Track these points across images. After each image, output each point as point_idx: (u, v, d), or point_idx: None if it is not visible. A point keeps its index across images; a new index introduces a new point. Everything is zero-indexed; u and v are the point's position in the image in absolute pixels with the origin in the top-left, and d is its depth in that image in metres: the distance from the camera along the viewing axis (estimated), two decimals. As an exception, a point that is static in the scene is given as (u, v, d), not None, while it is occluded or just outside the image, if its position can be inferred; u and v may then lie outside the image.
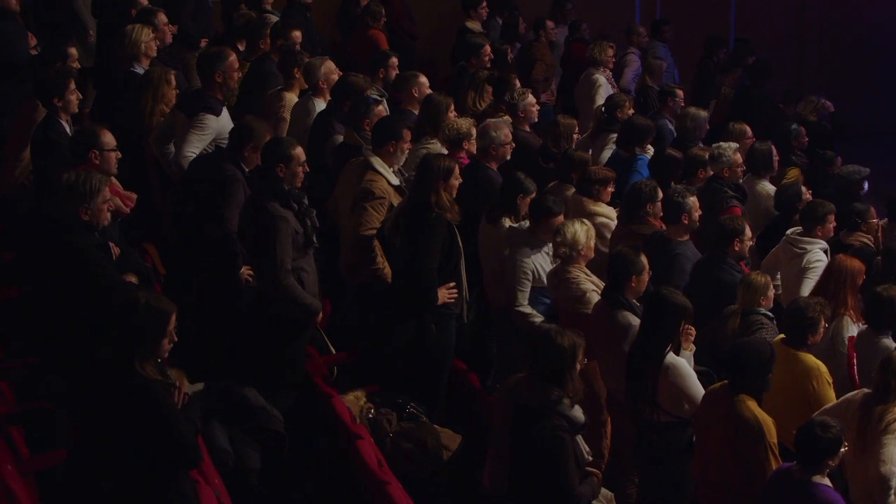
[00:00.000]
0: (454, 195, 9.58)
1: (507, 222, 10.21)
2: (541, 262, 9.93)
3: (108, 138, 9.40)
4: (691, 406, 8.46)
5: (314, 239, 9.30)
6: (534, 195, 10.26)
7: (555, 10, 17.43)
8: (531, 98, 12.51)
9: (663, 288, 8.81)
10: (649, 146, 12.34)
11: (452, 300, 9.52)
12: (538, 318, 9.83)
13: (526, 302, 9.92)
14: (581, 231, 9.58)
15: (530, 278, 9.91)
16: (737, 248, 9.99)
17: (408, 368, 9.66)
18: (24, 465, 7.76)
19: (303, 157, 9.36)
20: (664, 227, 10.49)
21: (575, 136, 12.31)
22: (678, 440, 8.54)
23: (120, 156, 9.55)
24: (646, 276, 9.11)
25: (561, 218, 9.92)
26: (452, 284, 9.52)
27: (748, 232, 10.07)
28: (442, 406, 9.61)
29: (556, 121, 12.36)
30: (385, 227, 9.91)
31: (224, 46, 11.75)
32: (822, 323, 8.96)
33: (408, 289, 9.55)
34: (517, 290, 9.93)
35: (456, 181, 9.56)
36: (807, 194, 11.96)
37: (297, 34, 13.23)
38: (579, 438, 7.92)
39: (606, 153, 12.71)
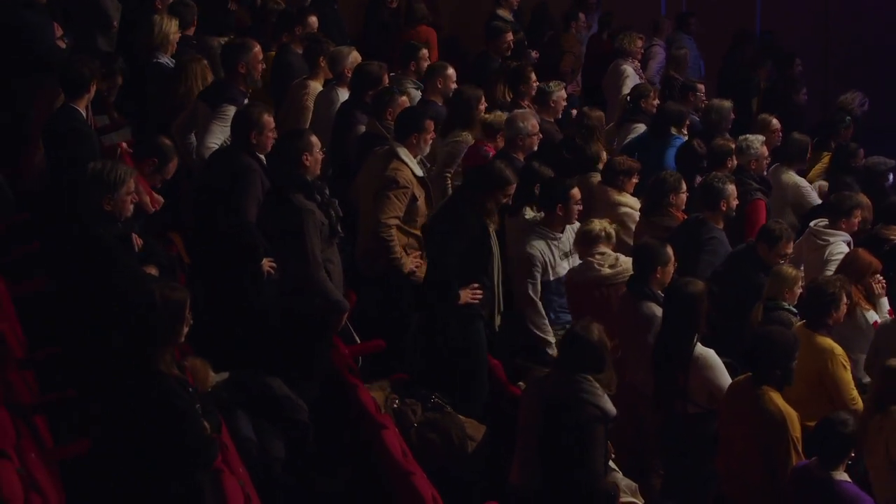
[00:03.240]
0: (497, 206, 9.58)
1: (529, 212, 10.19)
2: (549, 254, 9.90)
3: (173, 165, 9.72)
4: (721, 397, 8.44)
5: (339, 229, 9.30)
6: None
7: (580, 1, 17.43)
8: (563, 93, 12.53)
9: (678, 279, 8.83)
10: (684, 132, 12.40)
11: (475, 300, 9.48)
12: (549, 335, 9.85)
13: (538, 297, 9.88)
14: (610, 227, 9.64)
15: (540, 270, 9.87)
16: (762, 253, 9.91)
17: (440, 366, 9.64)
18: (48, 454, 7.75)
19: (319, 143, 9.41)
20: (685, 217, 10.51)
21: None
22: (704, 432, 8.52)
23: (167, 177, 9.78)
24: (671, 268, 9.11)
25: (575, 203, 9.92)
26: (477, 285, 9.47)
27: (784, 248, 9.96)
28: (481, 404, 9.57)
29: (584, 112, 12.31)
30: (429, 223, 9.93)
31: (248, 38, 11.71)
32: (844, 300, 8.96)
33: (432, 285, 9.56)
34: (527, 281, 9.88)
35: (505, 199, 9.58)
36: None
37: (314, 20, 13.22)
38: None
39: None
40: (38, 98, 11.29)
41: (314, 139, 9.34)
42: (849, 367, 8.93)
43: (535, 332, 9.90)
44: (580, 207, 10.07)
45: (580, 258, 9.83)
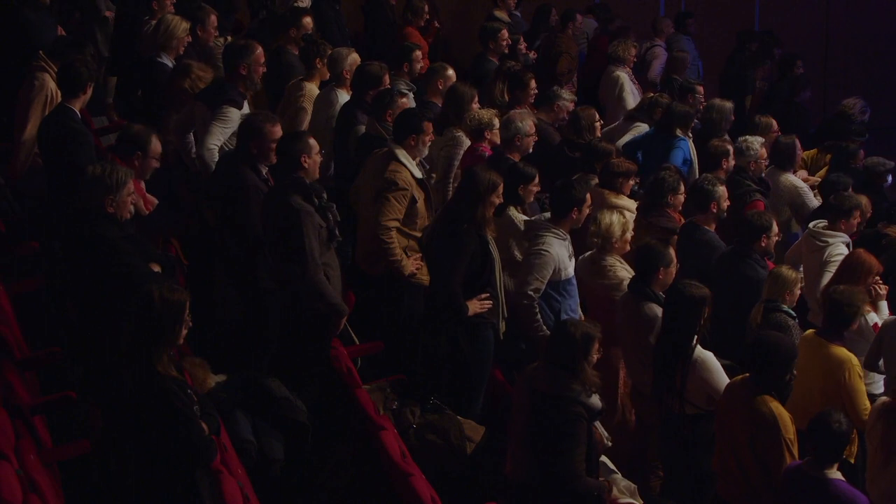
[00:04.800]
0: (491, 212, 9.51)
1: (513, 212, 10.19)
2: (563, 255, 9.88)
3: (156, 146, 9.47)
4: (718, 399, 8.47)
5: (337, 233, 9.29)
6: (536, 180, 10.24)
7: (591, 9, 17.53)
8: (572, 105, 12.56)
9: (679, 282, 8.83)
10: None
11: (485, 310, 9.45)
12: (540, 325, 9.77)
13: (537, 296, 9.74)
14: (617, 223, 9.59)
15: (550, 272, 9.80)
16: (763, 244, 9.99)
17: (445, 378, 9.61)
18: (47, 456, 7.76)
19: (318, 146, 9.38)
20: (683, 220, 10.50)
21: (597, 124, 12.26)
22: (703, 432, 8.54)
23: (158, 165, 9.63)
24: (673, 269, 9.13)
25: (587, 205, 9.88)
26: (485, 295, 9.44)
27: (775, 228, 10.07)
28: (478, 413, 9.57)
29: (576, 113, 12.31)
30: (424, 234, 9.89)
31: (251, 40, 11.67)
32: (862, 312, 8.99)
33: (437, 299, 9.53)
34: (535, 278, 9.67)
35: (497, 199, 9.47)
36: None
37: (308, 21, 13.19)
38: (597, 424, 7.92)
39: (626, 138, 12.76)
40: (25, 98, 11.23)
41: (313, 141, 9.32)
42: (863, 377, 8.95)
43: (539, 333, 9.83)
44: (589, 212, 10.06)
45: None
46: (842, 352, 8.87)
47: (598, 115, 12.40)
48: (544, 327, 9.67)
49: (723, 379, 8.53)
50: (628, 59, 15.16)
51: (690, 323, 8.58)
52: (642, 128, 13.00)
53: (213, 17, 12.77)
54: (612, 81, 15.01)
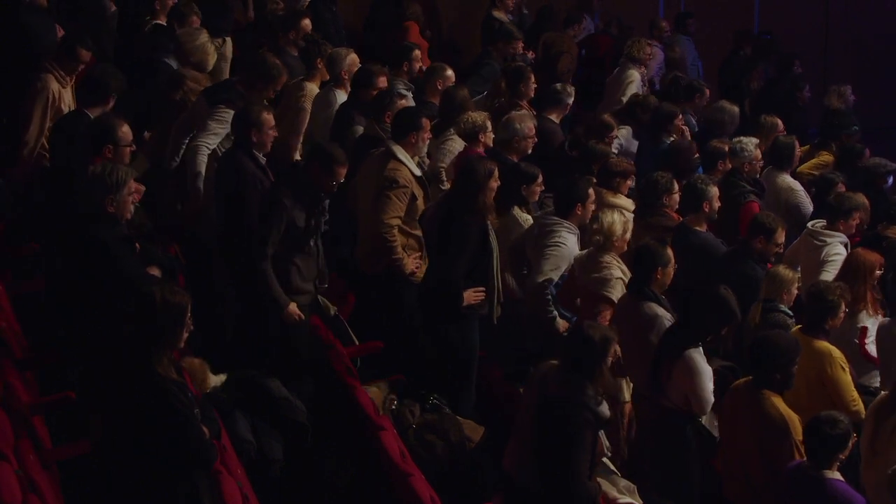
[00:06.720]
0: (492, 198, 9.54)
1: (518, 212, 10.23)
2: (577, 249, 9.91)
3: (125, 132, 9.34)
4: (695, 403, 8.46)
5: (322, 226, 9.34)
6: (539, 180, 10.29)
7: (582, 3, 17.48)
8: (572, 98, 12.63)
9: (723, 288, 8.74)
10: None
11: (477, 301, 9.48)
12: (553, 312, 9.79)
13: (551, 286, 9.79)
14: (618, 222, 9.59)
15: (566, 265, 9.80)
16: (759, 246, 9.95)
17: (434, 369, 9.64)
18: (46, 456, 7.77)
19: (343, 176, 9.41)
20: (680, 219, 10.51)
21: (611, 135, 12.23)
22: (678, 432, 8.54)
23: (134, 149, 9.59)
24: (671, 269, 9.12)
25: (591, 202, 9.93)
26: (481, 289, 9.46)
27: (777, 237, 10.01)
28: (471, 405, 9.58)
29: (597, 117, 12.31)
30: (423, 218, 9.92)
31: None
32: (843, 307, 8.98)
33: (435, 290, 9.54)
34: (551, 269, 9.74)
35: (495, 183, 9.49)
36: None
37: (307, 23, 13.20)
38: (600, 433, 7.91)
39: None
40: (28, 98, 11.23)
41: (341, 170, 9.36)
42: (847, 369, 8.94)
43: (551, 316, 9.82)
44: (594, 207, 10.07)
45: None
46: (823, 345, 8.88)
47: (615, 129, 12.37)
48: (556, 313, 9.74)
49: (706, 384, 8.45)
50: (643, 58, 15.14)
51: (710, 328, 8.57)
52: (623, 131, 12.93)
53: (196, 18, 12.88)
54: (624, 78, 14.97)
